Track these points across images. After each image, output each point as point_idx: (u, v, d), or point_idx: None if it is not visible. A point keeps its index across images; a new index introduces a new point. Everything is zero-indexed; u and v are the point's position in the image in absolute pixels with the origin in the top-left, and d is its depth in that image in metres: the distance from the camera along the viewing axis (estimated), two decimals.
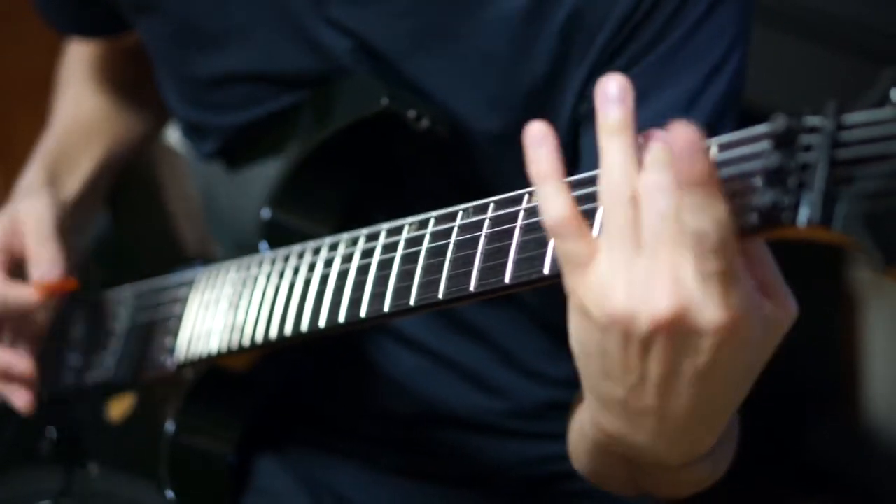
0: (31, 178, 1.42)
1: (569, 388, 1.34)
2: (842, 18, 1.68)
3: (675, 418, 0.84)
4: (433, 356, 1.32)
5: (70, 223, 1.39)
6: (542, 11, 1.12)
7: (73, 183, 1.44)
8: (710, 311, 0.77)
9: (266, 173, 1.27)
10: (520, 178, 0.89)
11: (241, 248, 1.24)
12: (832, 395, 2.11)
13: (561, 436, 1.35)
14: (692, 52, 1.09)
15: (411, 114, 1.15)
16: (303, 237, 1.15)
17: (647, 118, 0.93)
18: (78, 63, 1.56)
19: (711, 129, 1.00)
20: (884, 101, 0.70)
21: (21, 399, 1.32)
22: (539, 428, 1.35)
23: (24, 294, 1.30)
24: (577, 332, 0.84)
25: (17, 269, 1.34)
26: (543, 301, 1.29)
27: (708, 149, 0.79)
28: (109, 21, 1.43)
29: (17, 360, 1.32)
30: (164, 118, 1.56)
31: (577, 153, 1.15)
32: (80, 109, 1.52)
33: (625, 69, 1.10)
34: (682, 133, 0.75)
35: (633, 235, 0.79)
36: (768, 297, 0.81)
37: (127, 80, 1.55)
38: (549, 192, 0.82)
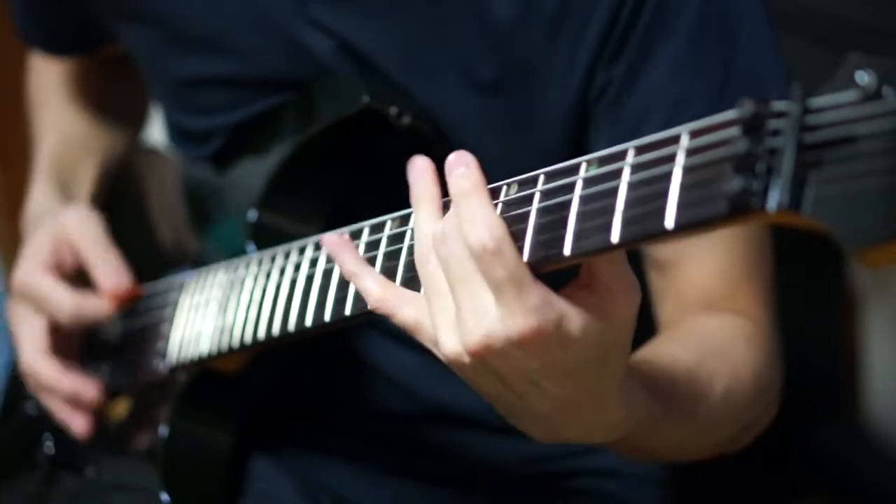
0: (43, 198, 1.42)
1: None
2: (827, 14, 1.68)
3: (557, 411, 0.88)
4: (430, 354, 1.32)
5: None
6: (528, 4, 1.12)
7: (81, 200, 1.45)
8: (512, 323, 0.81)
9: (251, 175, 1.27)
10: (504, 170, 0.89)
11: (230, 250, 1.24)
12: (832, 394, 2.11)
13: None
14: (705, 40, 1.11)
15: (392, 111, 1.15)
16: (290, 238, 1.15)
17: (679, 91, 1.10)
18: (52, 81, 1.56)
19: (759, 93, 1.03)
20: (849, 84, 0.70)
21: (82, 427, 1.32)
22: None
23: (100, 305, 1.29)
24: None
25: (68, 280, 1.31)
26: None
27: (470, 163, 0.86)
28: (86, 37, 1.45)
29: (87, 387, 1.31)
30: (140, 123, 1.59)
31: (580, 144, 1.16)
32: (67, 129, 1.52)
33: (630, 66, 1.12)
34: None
35: (441, 285, 0.86)
36: (595, 291, 0.83)
37: (103, 95, 1.56)
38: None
